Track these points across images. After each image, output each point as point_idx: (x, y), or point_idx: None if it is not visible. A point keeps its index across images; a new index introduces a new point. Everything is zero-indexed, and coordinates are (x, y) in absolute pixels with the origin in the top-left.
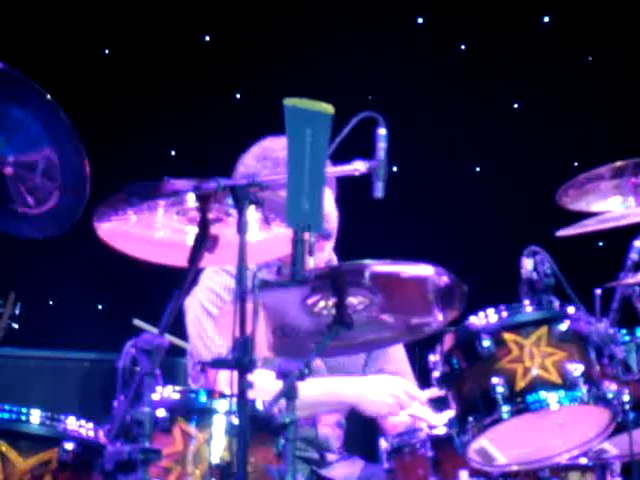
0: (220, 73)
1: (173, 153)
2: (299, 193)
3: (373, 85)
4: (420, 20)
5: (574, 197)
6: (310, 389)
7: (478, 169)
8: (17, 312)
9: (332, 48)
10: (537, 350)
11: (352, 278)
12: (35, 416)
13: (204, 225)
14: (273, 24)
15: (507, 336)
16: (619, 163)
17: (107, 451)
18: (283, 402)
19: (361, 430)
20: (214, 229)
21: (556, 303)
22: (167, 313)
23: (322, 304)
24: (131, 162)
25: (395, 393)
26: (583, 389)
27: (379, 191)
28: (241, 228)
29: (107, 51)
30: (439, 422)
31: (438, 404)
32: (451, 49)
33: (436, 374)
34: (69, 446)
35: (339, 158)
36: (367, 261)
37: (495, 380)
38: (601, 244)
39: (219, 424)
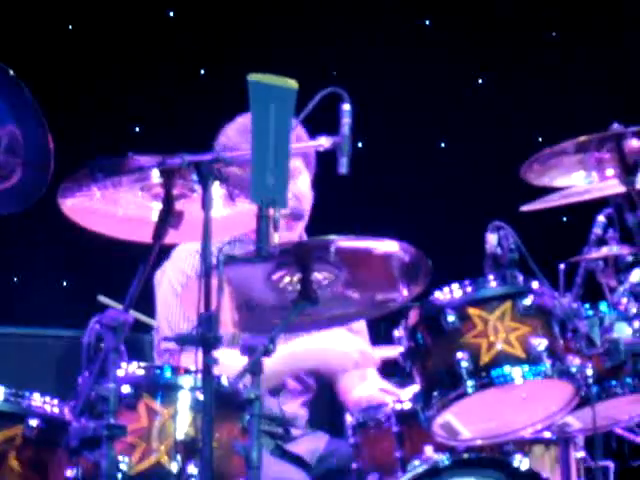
0: (185, 49)
1: (137, 129)
2: (263, 169)
3: (338, 61)
4: None
5: (538, 172)
6: (275, 354)
7: (443, 145)
8: None
9: (297, 24)
10: (501, 325)
11: (317, 254)
12: None
13: (168, 201)
14: None
15: (471, 311)
16: (583, 138)
17: (72, 427)
18: (248, 378)
19: (326, 406)
20: (178, 205)
21: (520, 278)
22: (132, 289)
23: (287, 280)
24: (95, 138)
25: (354, 351)
26: (547, 363)
27: (343, 167)
28: (206, 204)
29: (71, 27)
30: (404, 397)
31: (403, 379)
32: (416, 24)
33: (401, 349)
34: (34, 422)
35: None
36: (332, 237)
37: (460, 355)
38: (565, 219)
39: (184, 400)
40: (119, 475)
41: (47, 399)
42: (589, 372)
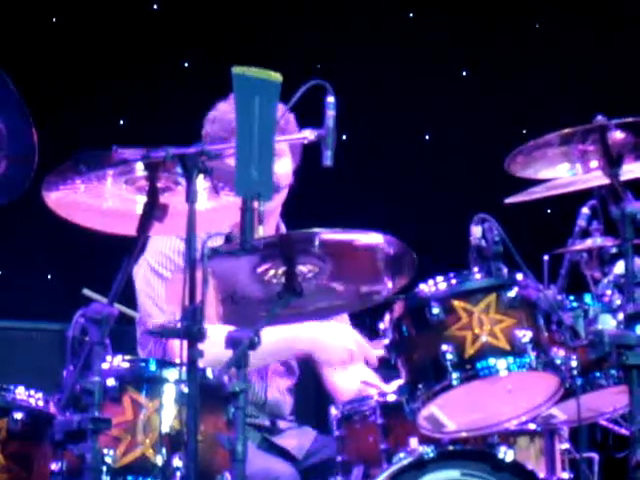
0: (169, 41)
1: (121, 122)
2: (248, 162)
3: (322, 53)
4: None
5: (522, 164)
6: (265, 336)
7: (427, 137)
8: None
9: (281, 16)
10: (486, 317)
11: (302, 246)
12: None
13: (153, 194)
14: None
15: (456, 303)
16: (567, 130)
17: (57, 421)
18: (233, 370)
19: (311, 398)
20: (163, 198)
21: (504, 270)
22: (116, 282)
23: (272, 272)
24: (79, 131)
25: (349, 342)
26: (532, 355)
27: (328, 159)
28: (190, 197)
29: (55, 19)
30: (389, 390)
31: (388, 373)
32: (400, 16)
33: (386, 342)
34: (18, 416)
35: None
36: (316, 229)
37: (444, 347)
38: (549, 211)
39: (169, 393)
40: (104, 468)
41: (32, 392)
42: (574, 364)
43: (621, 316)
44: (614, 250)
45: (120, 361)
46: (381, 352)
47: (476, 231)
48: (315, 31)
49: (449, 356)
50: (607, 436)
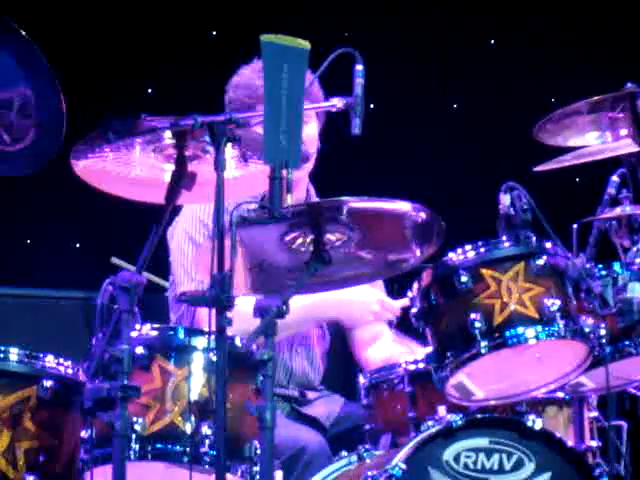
0: (197, 9)
1: (150, 91)
2: (276, 129)
3: (350, 21)
4: None
5: (551, 132)
6: (293, 305)
7: (455, 106)
8: None
9: None
10: (515, 285)
11: (330, 215)
12: (14, 354)
13: (181, 162)
14: None
15: (485, 272)
16: (596, 98)
17: (86, 389)
18: (262, 339)
19: (340, 367)
20: (191, 166)
21: (533, 238)
22: (145, 250)
23: (300, 241)
24: (108, 100)
25: (372, 303)
26: (560, 324)
27: (357, 128)
28: (218, 165)
29: None
30: (419, 356)
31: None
32: None
33: (414, 310)
34: (48, 383)
35: None
36: (345, 198)
37: (473, 315)
38: (578, 179)
39: (197, 361)
40: (133, 436)
41: (61, 360)
42: (602, 332)
43: None
44: None
45: (149, 329)
46: (406, 301)
47: (505, 199)
48: None
49: (477, 324)
50: (636, 404)
